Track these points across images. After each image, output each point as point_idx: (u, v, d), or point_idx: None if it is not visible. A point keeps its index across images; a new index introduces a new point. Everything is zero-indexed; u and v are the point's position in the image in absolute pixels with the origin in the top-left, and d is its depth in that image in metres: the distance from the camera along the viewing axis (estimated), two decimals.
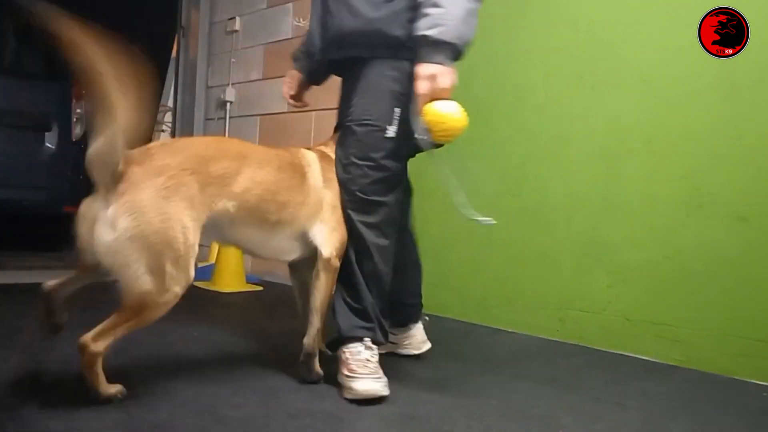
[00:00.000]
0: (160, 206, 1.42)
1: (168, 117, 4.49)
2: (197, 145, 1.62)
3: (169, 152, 1.52)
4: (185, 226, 1.45)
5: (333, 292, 1.82)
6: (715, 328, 2.19)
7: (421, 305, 2.17)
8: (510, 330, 2.72)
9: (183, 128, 4.49)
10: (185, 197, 1.46)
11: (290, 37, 3.83)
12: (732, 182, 2.19)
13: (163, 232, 1.41)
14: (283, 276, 3.67)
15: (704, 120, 2.26)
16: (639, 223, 2.40)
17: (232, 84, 4.24)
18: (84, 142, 4.46)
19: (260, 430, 1.41)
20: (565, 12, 2.65)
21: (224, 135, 4.23)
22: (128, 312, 1.44)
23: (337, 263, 1.76)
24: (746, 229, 2.15)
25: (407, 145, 1.74)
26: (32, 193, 4.24)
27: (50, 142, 4.32)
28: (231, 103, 4.22)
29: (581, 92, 2.58)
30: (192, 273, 1.49)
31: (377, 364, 1.73)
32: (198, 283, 3.51)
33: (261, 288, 3.50)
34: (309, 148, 1.86)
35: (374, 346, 1.77)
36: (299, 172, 1.75)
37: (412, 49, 1.63)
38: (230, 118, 4.22)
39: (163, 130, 4.52)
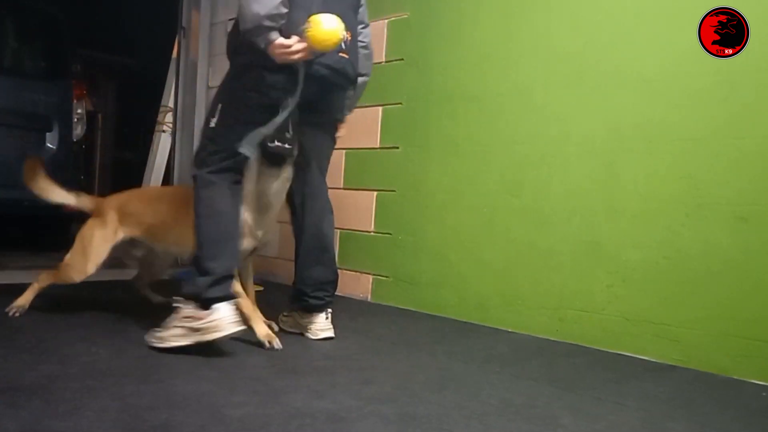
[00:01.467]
0: None
1: (169, 117, 4.48)
2: None
3: None
4: None
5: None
6: (715, 327, 2.19)
7: (327, 301, 2.38)
8: (510, 330, 2.72)
9: (183, 129, 4.49)
10: None
11: None
12: (732, 182, 2.19)
13: None
14: (283, 276, 3.67)
15: (704, 120, 2.26)
16: (639, 223, 2.40)
17: None
18: (85, 142, 4.47)
19: (260, 430, 1.41)
20: (565, 12, 2.65)
21: None
22: None
23: None
24: (746, 229, 2.15)
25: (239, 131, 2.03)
26: (33, 193, 4.23)
27: (51, 143, 4.32)
28: None
29: (581, 92, 2.58)
30: None
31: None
32: None
33: (261, 288, 3.50)
34: None
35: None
36: None
37: (239, 53, 2.08)
38: None
39: (164, 131, 4.52)
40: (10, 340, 2.07)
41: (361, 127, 3.32)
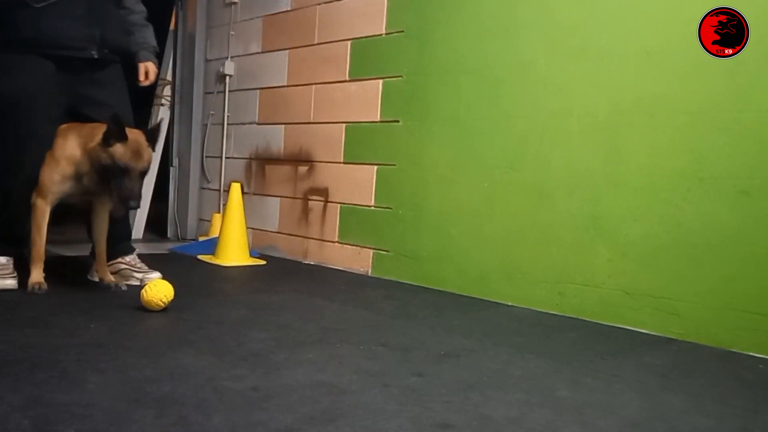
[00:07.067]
0: None
1: (167, 91, 4.44)
2: None
3: None
4: None
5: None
6: (714, 301, 2.20)
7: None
8: (509, 303, 2.73)
9: (182, 102, 4.46)
10: None
11: (289, 9, 3.77)
12: (734, 156, 2.18)
13: None
14: (285, 250, 3.68)
15: (707, 94, 2.24)
16: (640, 197, 2.39)
17: (231, 57, 4.19)
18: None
19: (261, 402, 1.42)
20: None
21: (224, 109, 4.21)
22: None
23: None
24: (748, 203, 2.15)
25: None
26: None
27: None
28: (230, 76, 4.18)
29: (583, 65, 2.55)
30: None
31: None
32: (201, 257, 3.52)
33: (264, 262, 3.52)
34: None
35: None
36: None
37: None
38: (229, 91, 4.19)
39: (162, 104, 4.48)
40: (10, 314, 2.08)
41: (361, 101, 3.30)
